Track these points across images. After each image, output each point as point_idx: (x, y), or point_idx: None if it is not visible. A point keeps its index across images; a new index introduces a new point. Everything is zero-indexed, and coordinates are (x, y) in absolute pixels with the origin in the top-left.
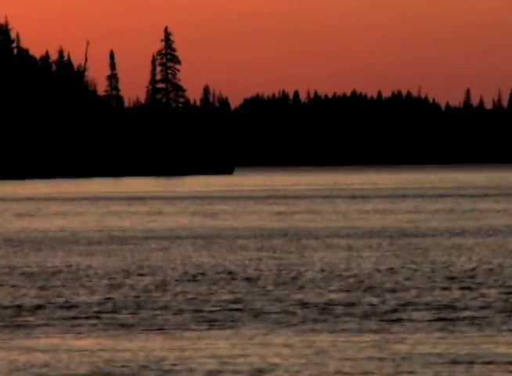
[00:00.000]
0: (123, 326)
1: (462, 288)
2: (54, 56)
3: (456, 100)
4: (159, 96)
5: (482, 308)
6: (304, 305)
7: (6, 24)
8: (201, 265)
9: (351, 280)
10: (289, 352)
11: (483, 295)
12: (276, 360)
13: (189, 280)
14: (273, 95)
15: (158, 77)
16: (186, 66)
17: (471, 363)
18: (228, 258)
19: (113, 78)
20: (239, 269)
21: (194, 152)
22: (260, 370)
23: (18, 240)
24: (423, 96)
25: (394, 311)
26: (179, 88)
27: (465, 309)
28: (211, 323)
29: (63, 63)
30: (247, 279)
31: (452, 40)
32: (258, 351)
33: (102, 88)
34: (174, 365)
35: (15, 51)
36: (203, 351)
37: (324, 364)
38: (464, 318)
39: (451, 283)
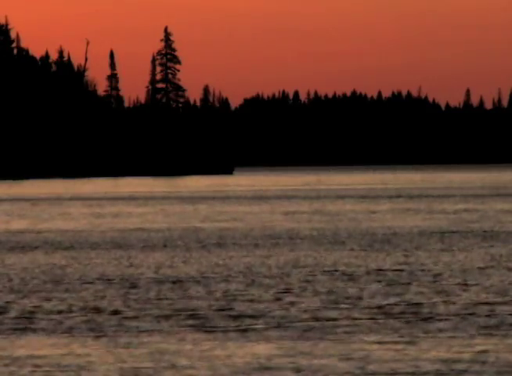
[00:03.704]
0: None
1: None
2: (54, 56)
3: (456, 100)
4: (159, 96)
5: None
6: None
7: (6, 24)
8: (199, 266)
9: (353, 278)
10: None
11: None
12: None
13: (188, 282)
14: (273, 95)
15: (158, 77)
16: (186, 66)
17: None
18: (228, 258)
19: (113, 78)
20: (238, 269)
21: (194, 152)
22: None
23: (16, 242)
24: (423, 96)
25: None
26: (179, 88)
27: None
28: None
29: (63, 63)
30: (243, 279)
31: (452, 40)
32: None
33: (102, 88)
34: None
35: (15, 51)
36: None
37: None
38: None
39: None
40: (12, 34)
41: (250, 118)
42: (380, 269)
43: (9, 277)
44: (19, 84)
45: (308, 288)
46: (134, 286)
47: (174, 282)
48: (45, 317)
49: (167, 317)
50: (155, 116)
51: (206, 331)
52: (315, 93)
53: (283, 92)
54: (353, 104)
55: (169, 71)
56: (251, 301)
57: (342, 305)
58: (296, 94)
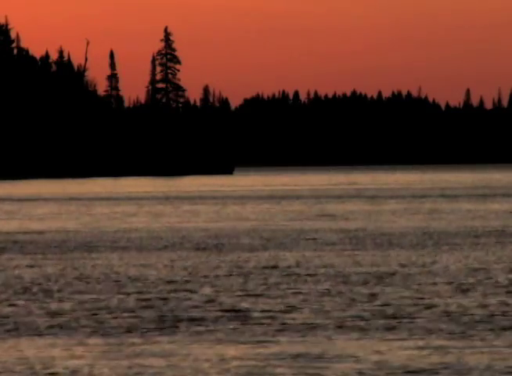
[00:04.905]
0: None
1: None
2: (54, 56)
3: (456, 100)
4: (159, 96)
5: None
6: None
7: (6, 24)
8: (198, 266)
9: (351, 280)
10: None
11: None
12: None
13: (188, 283)
14: (273, 95)
15: (158, 77)
16: (186, 66)
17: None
18: (227, 258)
19: (113, 78)
20: (238, 269)
21: (194, 152)
22: None
23: (16, 242)
24: (423, 96)
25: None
26: (179, 88)
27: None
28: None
29: (63, 63)
30: (244, 279)
31: (452, 40)
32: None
33: (102, 88)
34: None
35: (15, 51)
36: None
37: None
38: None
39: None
40: (12, 34)
41: (250, 118)
42: (392, 269)
43: (8, 277)
44: (19, 84)
45: (311, 289)
46: (133, 286)
47: (173, 283)
48: (45, 318)
49: (167, 318)
50: (155, 116)
51: (208, 333)
52: (315, 93)
53: (283, 92)
54: (353, 104)
55: (169, 71)
56: (251, 301)
57: (344, 306)
58: (296, 94)
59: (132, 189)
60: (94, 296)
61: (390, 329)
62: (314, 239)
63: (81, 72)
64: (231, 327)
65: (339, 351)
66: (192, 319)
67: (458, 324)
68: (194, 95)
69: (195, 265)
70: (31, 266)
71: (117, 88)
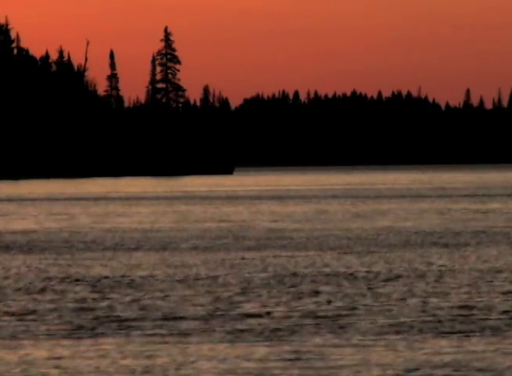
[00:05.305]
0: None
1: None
2: (54, 56)
3: (456, 100)
4: (159, 96)
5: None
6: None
7: (6, 24)
8: (194, 267)
9: (346, 280)
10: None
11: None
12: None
13: (188, 283)
14: (273, 95)
15: (158, 77)
16: (186, 66)
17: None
18: (228, 258)
19: (113, 78)
20: (236, 270)
21: (194, 152)
22: None
23: (16, 242)
24: (423, 96)
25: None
26: (179, 88)
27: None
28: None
29: (63, 63)
30: (246, 280)
31: (452, 40)
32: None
33: (102, 88)
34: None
35: (15, 51)
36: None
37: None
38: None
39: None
40: (12, 34)
41: (250, 118)
42: (376, 270)
43: (7, 277)
44: (19, 84)
45: (308, 290)
46: (133, 286)
47: (173, 283)
48: (45, 317)
49: (166, 318)
50: (155, 116)
51: (207, 333)
52: (315, 93)
53: (283, 92)
54: (353, 104)
55: (169, 71)
56: (251, 301)
57: (343, 307)
58: (296, 94)
59: (132, 189)
60: (94, 296)
61: (390, 329)
62: (314, 239)
63: (81, 72)
64: (231, 327)
65: (339, 351)
66: (192, 319)
67: (459, 324)
68: (194, 95)
69: (194, 265)
70: (31, 266)
71: (117, 88)
